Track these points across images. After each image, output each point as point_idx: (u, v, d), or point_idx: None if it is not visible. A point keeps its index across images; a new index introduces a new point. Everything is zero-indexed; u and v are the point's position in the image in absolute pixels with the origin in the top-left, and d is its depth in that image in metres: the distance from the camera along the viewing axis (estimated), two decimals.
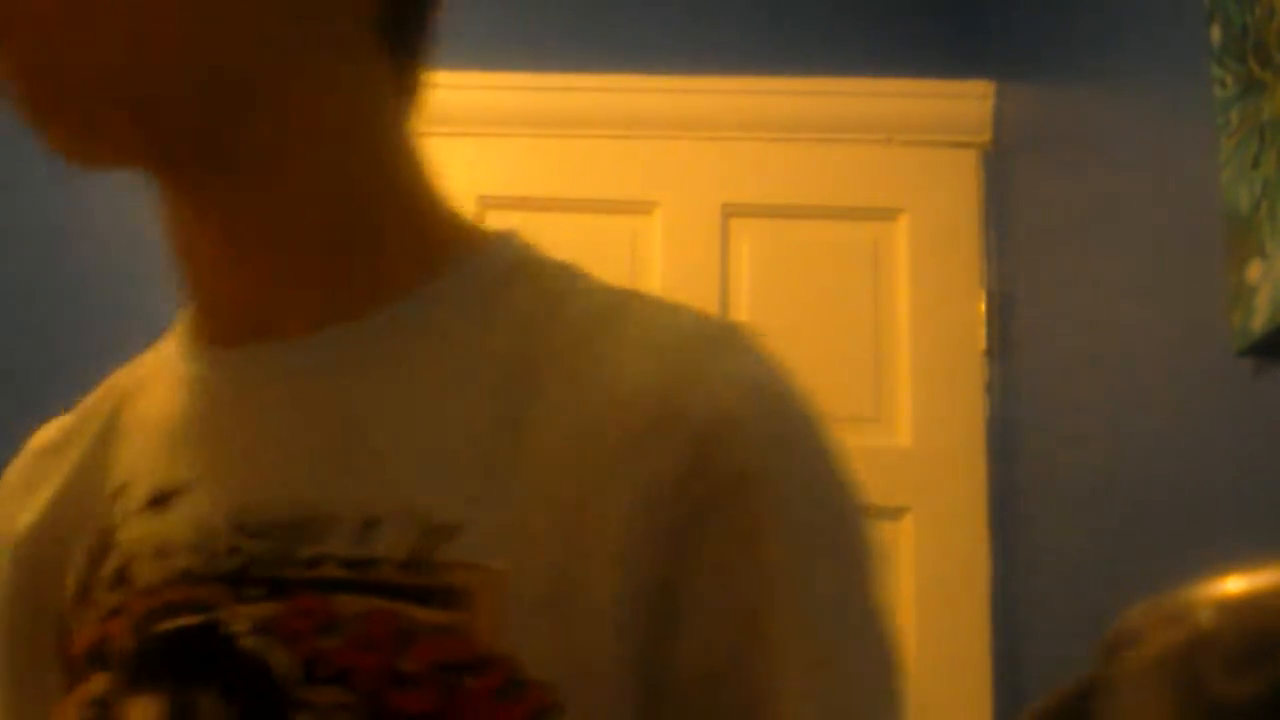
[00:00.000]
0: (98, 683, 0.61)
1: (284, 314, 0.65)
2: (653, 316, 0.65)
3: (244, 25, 0.61)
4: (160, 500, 0.63)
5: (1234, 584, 0.28)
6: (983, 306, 2.47)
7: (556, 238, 2.82)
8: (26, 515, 0.69)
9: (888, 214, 2.49)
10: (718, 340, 0.63)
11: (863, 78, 2.58)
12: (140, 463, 0.66)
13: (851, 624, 0.59)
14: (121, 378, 0.75)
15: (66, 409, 0.78)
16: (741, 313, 2.51)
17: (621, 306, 0.66)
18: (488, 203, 2.58)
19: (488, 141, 2.59)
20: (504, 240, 0.69)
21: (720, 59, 2.59)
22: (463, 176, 2.66)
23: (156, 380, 0.70)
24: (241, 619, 0.58)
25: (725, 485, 0.58)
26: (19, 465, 0.74)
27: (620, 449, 0.58)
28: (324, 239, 0.65)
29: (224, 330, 0.67)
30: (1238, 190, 1.43)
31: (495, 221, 2.76)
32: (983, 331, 2.46)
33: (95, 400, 0.74)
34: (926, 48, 2.59)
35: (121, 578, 0.62)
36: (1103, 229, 1.96)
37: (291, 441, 0.62)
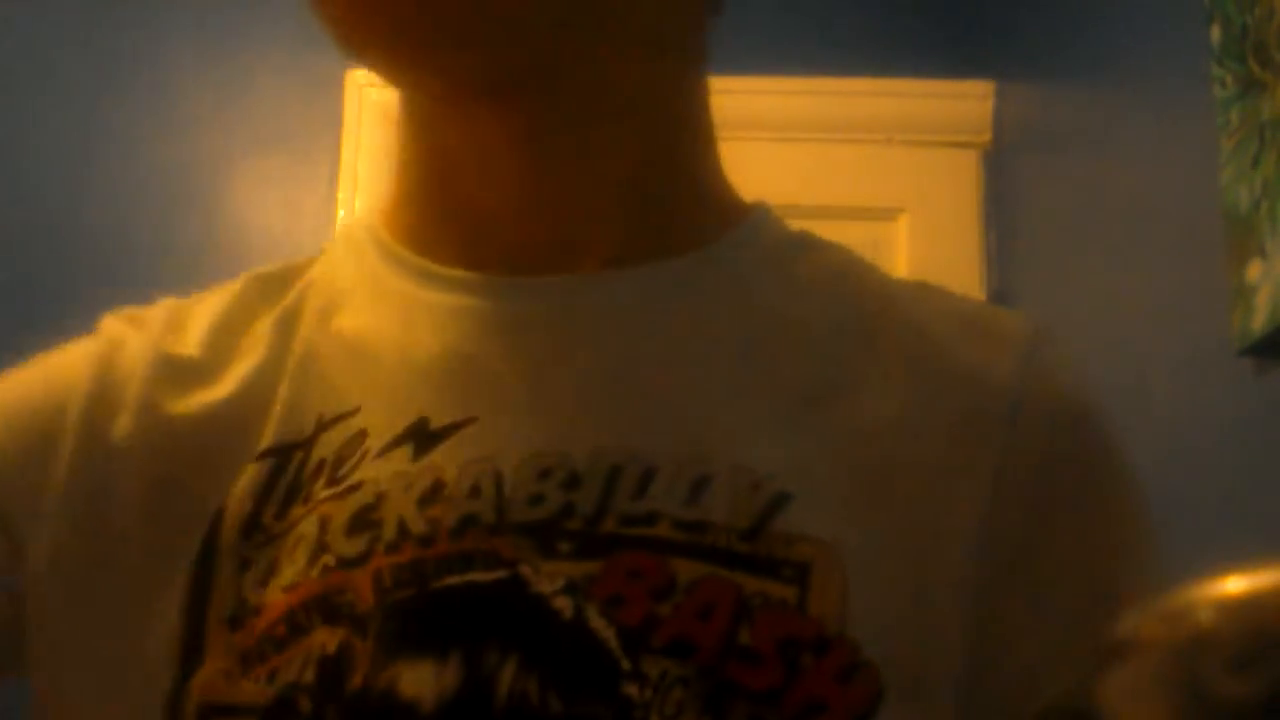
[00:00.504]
0: (326, 637, 0.51)
1: (578, 247, 0.59)
2: (965, 303, 0.63)
3: None
4: (429, 436, 0.54)
5: (1234, 584, 0.28)
6: None
7: None
8: (187, 404, 0.58)
9: (888, 214, 2.49)
10: (1041, 332, 0.62)
11: (863, 78, 2.58)
12: (376, 387, 0.57)
13: None
14: (282, 281, 0.66)
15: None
16: None
17: (922, 289, 0.63)
18: None
19: None
20: (767, 209, 0.67)
21: (720, 59, 2.58)
22: None
23: (354, 294, 0.62)
24: (549, 576, 0.50)
25: (1082, 474, 0.57)
26: (153, 335, 0.63)
27: (970, 433, 0.55)
28: (635, 175, 0.60)
29: (496, 257, 0.59)
30: (1238, 190, 1.43)
31: None
32: None
33: (249, 299, 0.65)
34: (926, 48, 2.59)
35: (363, 522, 0.53)
36: (1103, 229, 1.96)
37: (591, 384, 0.56)
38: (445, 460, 0.53)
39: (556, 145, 0.59)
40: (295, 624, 0.52)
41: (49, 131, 2.60)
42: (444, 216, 0.61)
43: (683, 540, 0.51)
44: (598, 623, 0.50)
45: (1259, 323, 1.39)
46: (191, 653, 0.53)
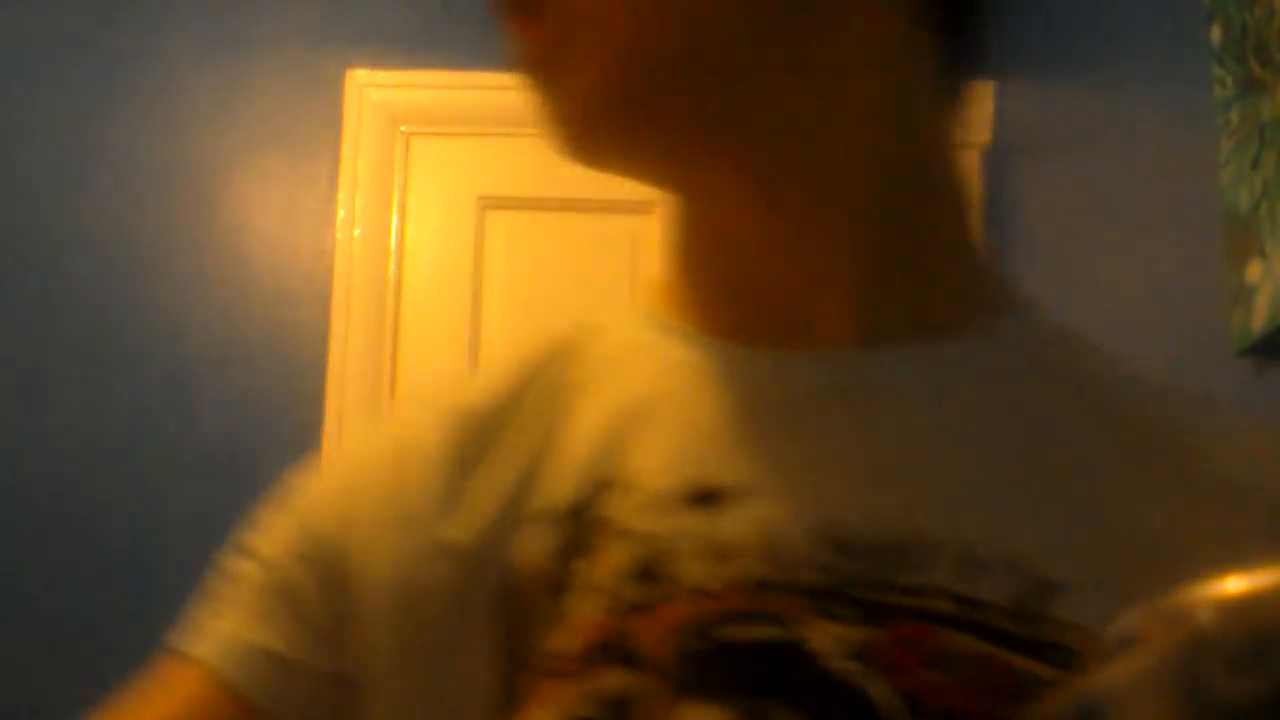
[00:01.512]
0: (614, 679, 0.54)
1: (830, 319, 0.60)
2: (1230, 414, 0.62)
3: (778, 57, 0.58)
4: (707, 498, 0.57)
5: (1234, 584, 0.28)
6: None
7: (556, 238, 2.82)
8: (483, 484, 0.61)
9: None
10: None
11: None
12: (656, 450, 0.59)
13: None
14: (557, 353, 0.68)
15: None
16: None
17: (1179, 394, 0.62)
18: (488, 203, 2.58)
19: (488, 141, 2.59)
20: (1033, 298, 0.65)
21: None
22: (463, 176, 2.67)
23: (631, 365, 0.64)
24: (827, 639, 0.52)
25: None
26: (433, 430, 0.64)
27: (1240, 546, 0.55)
28: (875, 233, 0.60)
29: (750, 326, 0.61)
30: (1238, 190, 1.43)
31: (495, 222, 2.75)
32: None
33: (530, 371, 0.68)
34: None
35: (650, 573, 0.55)
36: (1103, 229, 1.96)
37: (866, 459, 0.58)
38: (731, 521, 0.55)
39: (785, 197, 0.60)
40: (585, 665, 0.54)
41: (49, 131, 2.60)
42: (710, 290, 0.63)
43: (957, 615, 0.53)
44: (875, 687, 0.51)
45: (1259, 323, 1.39)
46: (501, 703, 0.57)
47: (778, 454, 0.57)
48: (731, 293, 0.62)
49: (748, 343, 0.60)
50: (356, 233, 2.54)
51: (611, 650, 0.54)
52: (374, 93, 2.59)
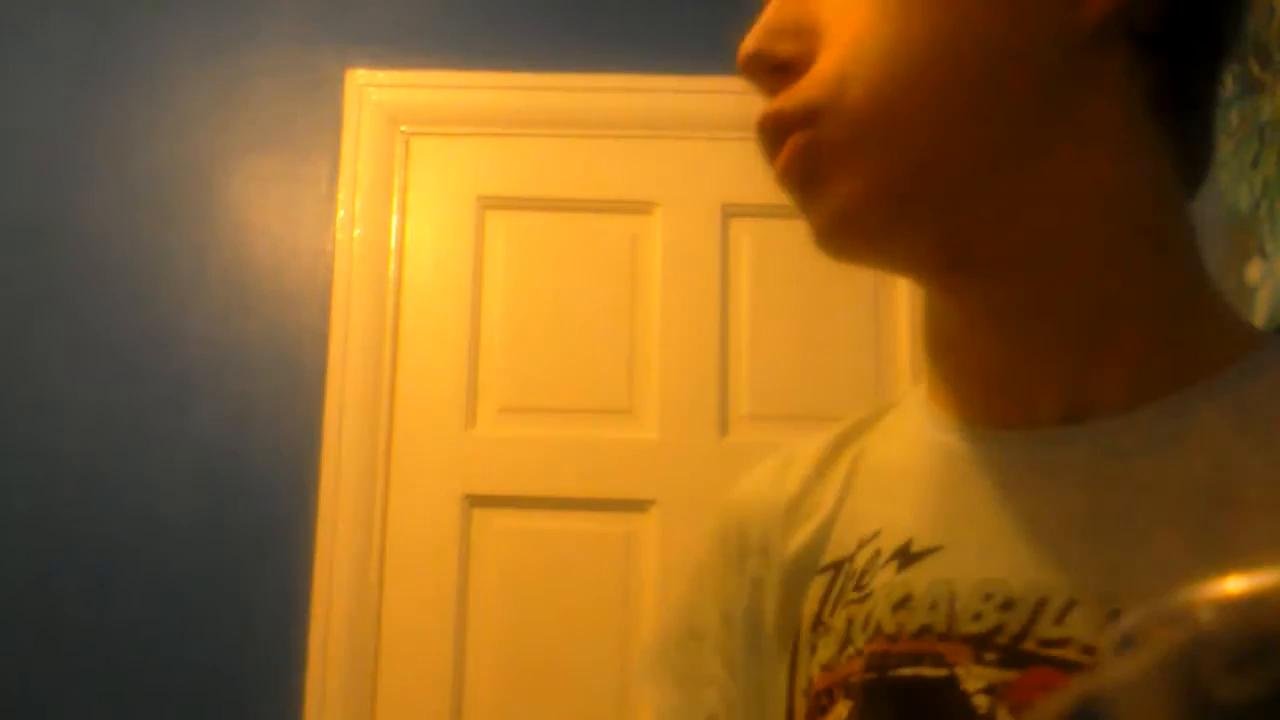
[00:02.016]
0: (841, 708, 0.67)
1: (1038, 404, 0.66)
2: None
3: (997, 111, 0.64)
4: (909, 557, 0.67)
5: (1234, 584, 0.28)
6: None
7: (556, 238, 2.82)
8: (797, 538, 0.75)
9: None
10: None
11: None
12: (889, 514, 0.70)
13: None
14: (864, 422, 0.78)
15: None
16: (741, 313, 2.51)
17: None
18: (487, 203, 2.58)
19: (488, 141, 2.59)
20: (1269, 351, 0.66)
21: (721, 59, 2.58)
22: (463, 176, 2.67)
23: (896, 437, 0.75)
24: (976, 678, 0.62)
25: None
26: (779, 476, 0.78)
27: None
28: (1086, 330, 0.65)
29: (977, 410, 0.69)
30: (1238, 190, 1.43)
31: (495, 222, 2.75)
32: None
33: (842, 436, 0.78)
34: None
35: (866, 622, 0.67)
36: None
37: (1036, 525, 0.64)
38: (917, 576, 0.66)
39: (1015, 304, 0.66)
40: (828, 695, 0.68)
41: (49, 131, 2.60)
42: (947, 377, 0.71)
43: (1088, 662, 0.60)
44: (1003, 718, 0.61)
45: (1259, 323, 1.39)
46: (789, 717, 0.72)
47: (967, 520, 0.67)
48: (967, 376, 0.70)
49: (979, 422, 0.69)
50: (356, 233, 2.54)
51: (841, 686, 0.67)
52: (374, 93, 2.59)
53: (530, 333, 2.53)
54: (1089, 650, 0.59)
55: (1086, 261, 0.65)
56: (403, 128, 2.59)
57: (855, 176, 0.65)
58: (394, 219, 2.55)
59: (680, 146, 2.57)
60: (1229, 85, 1.46)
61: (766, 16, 0.73)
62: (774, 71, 0.70)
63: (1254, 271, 1.40)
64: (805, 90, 0.67)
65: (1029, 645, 0.61)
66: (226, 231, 2.57)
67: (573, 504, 2.47)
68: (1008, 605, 0.62)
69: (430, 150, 2.59)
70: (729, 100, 2.66)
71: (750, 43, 0.73)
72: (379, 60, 2.61)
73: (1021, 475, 0.66)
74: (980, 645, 0.62)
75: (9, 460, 2.47)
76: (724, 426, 2.47)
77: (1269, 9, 1.40)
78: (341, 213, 2.55)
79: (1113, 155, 0.64)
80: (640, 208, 2.54)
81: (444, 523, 2.45)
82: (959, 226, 0.66)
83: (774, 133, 0.69)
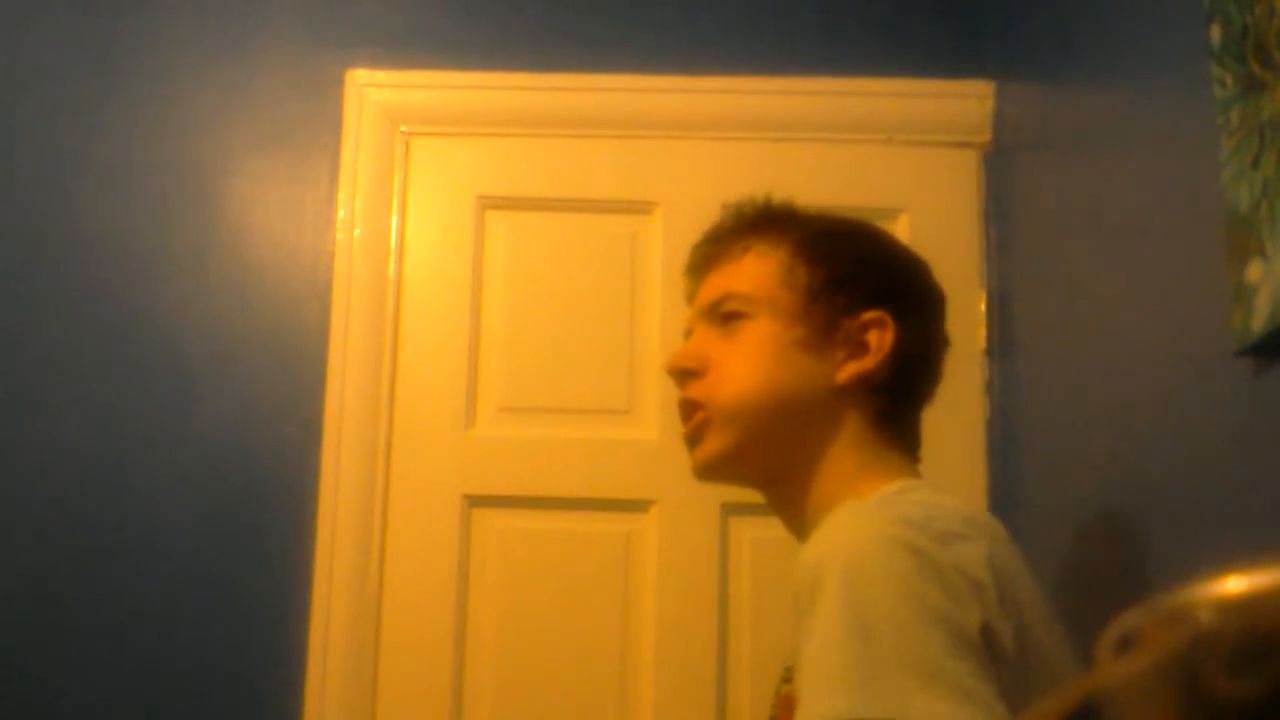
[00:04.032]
0: None
1: (801, 538, 1.36)
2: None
3: (804, 445, 1.40)
4: None
5: (1234, 584, 0.28)
6: (983, 306, 2.47)
7: (556, 238, 2.82)
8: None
9: (888, 214, 2.49)
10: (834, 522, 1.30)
11: (862, 78, 2.58)
12: None
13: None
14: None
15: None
16: None
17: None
18: (487, 203, 2.58)
19: (488, 141, 2.59)
20: (888, 488, 1.37)
21: (720, 59, 2.59)
22: (463, 176, 2.67)
23: None
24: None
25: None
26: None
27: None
28: (813, 508, 1.37)
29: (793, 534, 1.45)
30: (1238, 190, 1.43)
31: (495, 222, 2.74)
32: (982, 331, 2.46)
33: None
34: (926, 48, 2.59)
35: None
36: (1103, 229, 1.96)
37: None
38: None
39: (785, 505, 1.45)
40: None
41: (48, 132, 2.60)
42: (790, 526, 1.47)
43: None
44: None
45: (1259, 323, 1.39)
46: None
47: None
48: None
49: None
50: (356, 233, 2.54)
51: None
52: (374, 93, 2.59)
53: (530, 333, 2.53)
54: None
55: (820, 486, 1.38)
56: (403, 128, 2.59)
57: (718, 440, 1.41)
58: (394, 219, 2.55)
59: (680, 146, 2.57)
60: (1229, 85, 1.46)
61: (679, 351, 1.48)
62: (685, 375, 1.46)
63: (1254, 271, 1.40)
64: (702, 388, 1.43)
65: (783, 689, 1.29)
66: (226, 231, 2.57)
67: (573, 504, 2.47)
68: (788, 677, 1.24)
69: (430, 150, 2.59)
70: (730, 100, 2.66)
71: (669, 360, 1.49)
72: (379, 60, 2.61)
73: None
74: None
75: (9, 459, 2.47)
76: None
77: (1269, 9, 1.40)
78: (341, 213, 2.55)
79: (849, 443, 1.39)
80: (640, 208, 2.54)
81: (444, 523, 2.46)
82: (766, 470, 1.41)
83: (685, 410, 1.46)
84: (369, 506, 2.44)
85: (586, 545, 2.46)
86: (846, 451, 1.38)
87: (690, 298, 1.54)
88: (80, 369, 2.50)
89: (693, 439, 1.42)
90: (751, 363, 1.39)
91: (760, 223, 1.51)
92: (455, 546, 2.45)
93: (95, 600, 2.41)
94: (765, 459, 1.40)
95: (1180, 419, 1.66)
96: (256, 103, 2.61)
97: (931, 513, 1.19)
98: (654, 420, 2.47)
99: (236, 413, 2.48)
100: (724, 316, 1.44)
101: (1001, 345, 2.42)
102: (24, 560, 2.43)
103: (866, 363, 1.41)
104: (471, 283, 2.54)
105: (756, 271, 1.44)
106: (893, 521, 1.15)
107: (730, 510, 2.41)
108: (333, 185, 2.56)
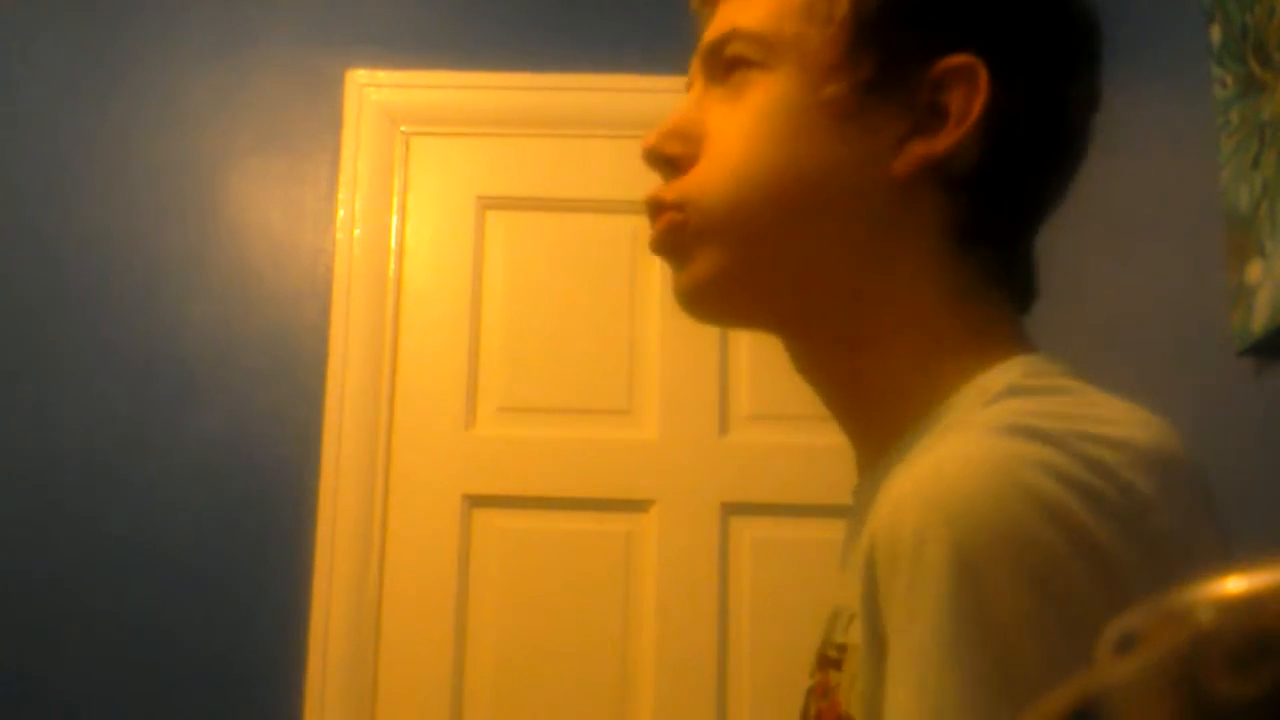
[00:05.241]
0: None
1: (859, 454, 0.87)
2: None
3: (843, 270, 0.85)
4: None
5: (1234, 584, 0.28)
6: None
7: (556, 238, 2.82)
8: None
9: None
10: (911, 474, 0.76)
11: None
12: None
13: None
14: None
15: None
16: None
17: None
18: (487, 203, 2.58)
19: (488, 141, 2.59)
20: (1007, 368, 0.82)
21: None
22: (463, 176, 2.67)
23: None
24: (809, 682, 0.87)
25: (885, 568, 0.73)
26: None
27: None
28: (883, 408, 0.84)
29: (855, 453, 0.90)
30: (1238, 190, 1.43)
31: (495, 222, 2.74)
32: None
33: None
34: None
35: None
36: (1103, 229, 1.96)
37: (844, 554, 0.86)
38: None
39: (827, 378, 0.89)
40: None
41: (49, 132, 2.60)
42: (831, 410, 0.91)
43: (836, 657, 0.82)
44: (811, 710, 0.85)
45: (1259, 323, 1.39)
46: None
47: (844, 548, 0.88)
48: (833, 418, 0.90)
49: (858, 464, 0.89)
50: (356, 233, 2.54)
51: None
52: (374, 93, 2.59)
53: (530, 333, 2.53)
54: (839, 646, 0.81)
55: (881, 349, 0.84)
56: (403, 128, 2.59)
57: (706, 259, 0.86)
58: (394, 219, 2.55)
59: None
60: (1229, 85, 1.46)
61: (666, 120, 0.93)
62: (665, 164, 0.90)
63: (1254, 271, 1.40)
64: (680, 186, 0.88)
65: (829, 651, 0.82)
66: (226, 231, 2.57)
67: (573, 504, 2.47)
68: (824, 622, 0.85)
69: (430, 150, 2.59)
70: None
71: (649, 139, 0.92)
72: (379, 60, 2.61)
73: (850, 515, 0.87)
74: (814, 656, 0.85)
75: (9, 459, 2.47)
76: (724, 426, 2.47)
77: (1269, 9, 1.40)
78: (341, 213, 2.55)
79: (910, 276, 0.84)
80: (640, 207, 2.53)
81: (444, 523, 2.45)
82: (788, 308, 0.86)
83: (652, 210, 0.91)
84: (369, 506, 2.44)
85: (586, 545, 2.46)
86: (917, 289, 0.85)
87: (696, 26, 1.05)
88: (80, 369, 2.50)
89: (668, 250, 0.90)
90: (756, 139, 0.87)
91: None
92: (455, 546, 2.45)
93: (95, 600, 2.41)
94: (776, 290, 0.87)
95: (1181, 419, 1.66)
96: (256, 103, 2.61)
97: (1099, 436, 0.72)
98: (654, 420, 2.47)
99: (236, 413, 2.48)
100: (727, 65, 0.91)
101: None
102: (24, 560, 2.43)
103: (942, 140, 0.84)
104: (471, 283, 2.54)
105: None
106: (1036, 465, 0.67)
107: (730, 510, 2.41)
108: (333, 185, 2.56)
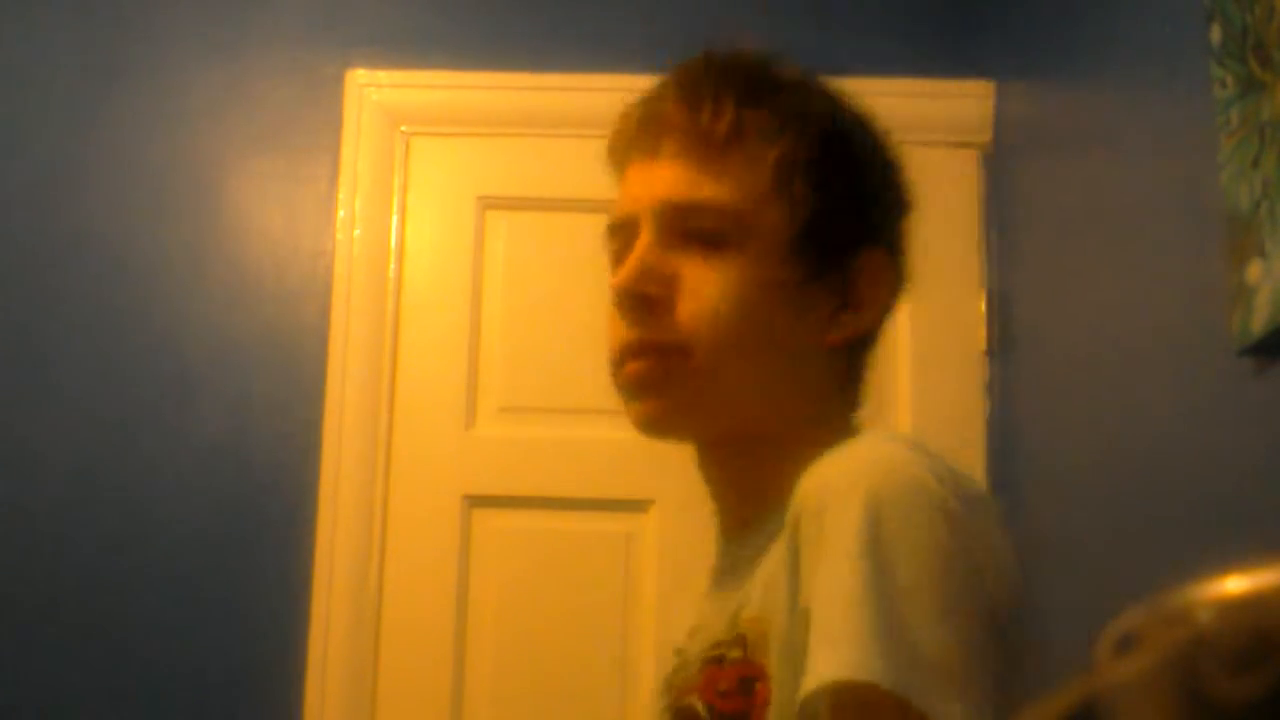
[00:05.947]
0: None
1: (726, 525, 1.17)
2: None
3: (777, 402, 1.10)
4: (693, 631, 1.23)
5: (1234, 584, 0.28)
6: (983, 306, 2.47)
7: (556, 238, 2.83)
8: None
9: None
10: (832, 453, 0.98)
11: (862, 77, 2.57)
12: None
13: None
14: None
15: None
16: None
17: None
18: (488, 203, 2.58)
19: (488, 141, 2.59)
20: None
21: None
22: (463, 176, 2.67)
23: None
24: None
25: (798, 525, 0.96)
26: None
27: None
28: (763, 492, 1.08)
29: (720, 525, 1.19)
30: (1238, 190, 1.43)
31: (495, 222, 2.74)
32: (983, 331, 2.46)
33: None
34: (927, 48, 2.59)
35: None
36: (1103, 229, 1.96)
37: (716, 583, 1.17)
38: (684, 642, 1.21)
39: (736, 470, 1.14)
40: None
41: (49, 131, 2.60)
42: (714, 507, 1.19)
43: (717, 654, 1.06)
44: (699, 704, 1.05)
45: (1259, 323, 1.39)
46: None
47: (703, 603, 1.17)
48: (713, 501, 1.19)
49: (720, 533, 1.19)
50: (356, 233, 2.54)
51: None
52: (374, 93, 2.59)
53: (530, 333, 2.53)
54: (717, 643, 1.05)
55: (785, 451, 1.04)
56: (403, 128, 2.59)
57: (693, 390, 1.08)
58: (394, 219, 2.55)
59: None
60: (1229, 85, 1.46)
61: (638, 262, 1.12)
62: (642, 303, 1.10)
63: (1254, 271, 1.40)
64: (676, 328, 1.07)
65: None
66: (226, 231, 2.57)
67: (572, 504, 2.47)
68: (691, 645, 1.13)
69: (430, 150, 2.59)
70: None
71: (626, 279, 1.11)
72: (379, 60, 2.61)
73: (717, 571, 1.17)
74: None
75: (7, 459, 2.46)
76: None
77: (1269, 9, 1.40)
78: (341, 213, 2.55)
79: (821, 398, 1.11)
80: None
81: (444, 523, 2.45)
82: (736, 427, 1.10)
83: (642, 350, 1.11)
84: (369, 507, 2.44)
85: (586, 545, 2.46)
86: (824, 403, 1.10)
87: (622, 166, 1.25)
88: (80, 369, 2.50)
89: (659, 385, 1.10)
90: (739, 303, 1.05)
91: (750, 90, 1.18)
92: (455, 546, 2.45)
93: (93, 599, 2.41)
94: (735, 414, 1.09)
95: (1181, 419, 1.66)
96: (256, 102, 2.61)
97: (954, 471, 0.96)
98: None
99: (236, 413, 2.48)
100: (703, 236, 1.08)
101: (1001, 345, 2.42)
102: (24, 560, 2.43)
103: (864, 319, 1.11)
104: (471, 283, 2.54)
105: (744, 179, 1.08)
106: (921, 466, 0.92)
107: None
108: (333, 185, 2.56)
